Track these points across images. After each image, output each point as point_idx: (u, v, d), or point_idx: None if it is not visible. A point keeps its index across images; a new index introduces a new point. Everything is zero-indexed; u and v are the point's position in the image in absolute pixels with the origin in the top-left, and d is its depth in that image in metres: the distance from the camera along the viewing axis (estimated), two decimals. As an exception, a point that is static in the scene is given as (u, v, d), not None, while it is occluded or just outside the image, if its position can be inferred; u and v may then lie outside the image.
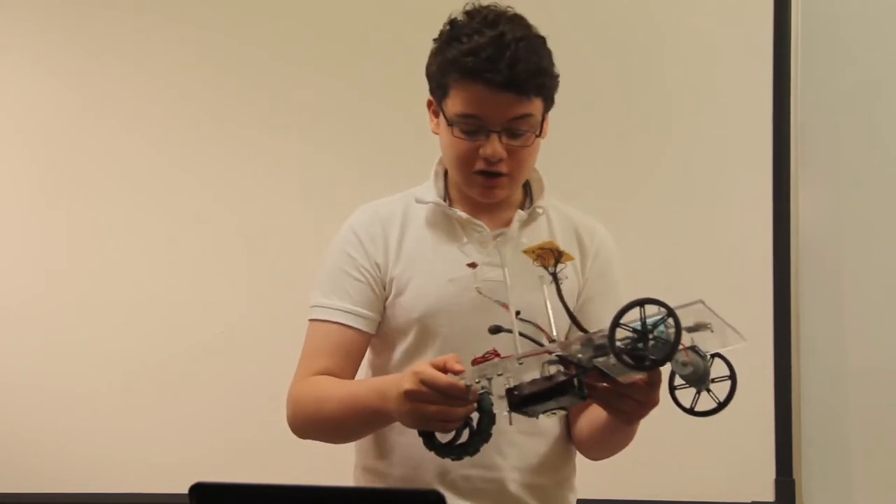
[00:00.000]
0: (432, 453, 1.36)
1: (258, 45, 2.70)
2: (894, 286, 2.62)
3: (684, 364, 1.22)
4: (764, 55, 2.60)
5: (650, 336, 1.16)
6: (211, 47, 2.71)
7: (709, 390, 1.26)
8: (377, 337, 1.59)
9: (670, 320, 1.16)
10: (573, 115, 2.43)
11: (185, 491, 1.06)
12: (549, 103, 1.54)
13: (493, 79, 1.45)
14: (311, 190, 2.64)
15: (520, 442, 1.54)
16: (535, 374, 1.27)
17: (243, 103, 2.69)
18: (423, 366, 1.33)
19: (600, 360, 1.23)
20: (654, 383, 1.29)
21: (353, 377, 1.58)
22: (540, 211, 1.59)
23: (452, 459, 1.35)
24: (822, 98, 2.64)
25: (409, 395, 1.32)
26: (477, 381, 1.30)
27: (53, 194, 2.70)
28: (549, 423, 1.56)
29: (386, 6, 2.69)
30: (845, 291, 2.64)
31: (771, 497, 2.52)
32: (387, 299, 1.57)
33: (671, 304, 1.17)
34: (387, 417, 1.41)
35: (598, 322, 1.57)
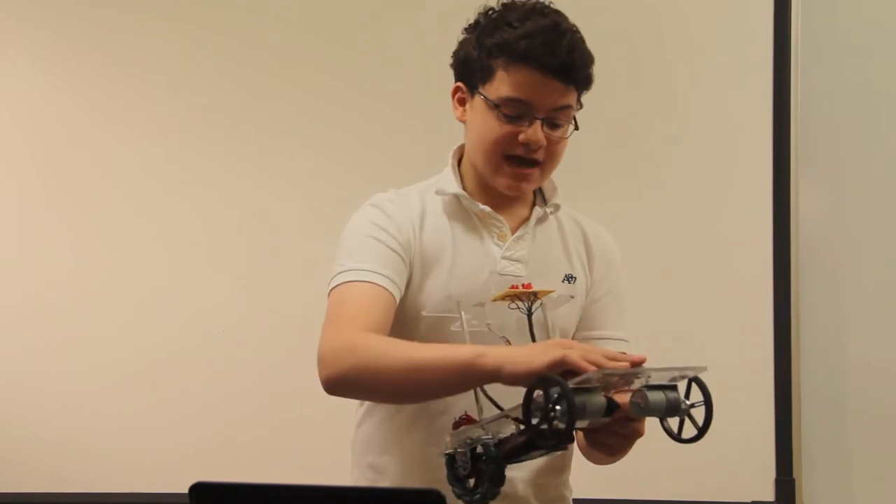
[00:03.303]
0: (437, 451, 1.36)
1: (259, 45, 2.70)
2: (894, 286, 2.62)
3: (640, 407, 1.23)
4: (764, 55, 2.60)
5: (552, 414, 1.16)
6: (211, 47, 2.71)
7: (690, 416, 1.26)
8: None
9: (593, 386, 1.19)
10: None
11: (185, 491, 1.06)
12: (580, 101, 1.53)
13: (549, 63, 1.44)
14: (312, 190, 2.64)
15: None
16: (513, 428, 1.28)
17: (244, 103, 2.69)
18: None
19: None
20: (634, 418, 1.29)
21: None
22: (551, 210, 1.59)
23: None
24: (822, 98, 2.64)
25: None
26: (459, 448, 1.30)
27: (53, 194, 2.70)
28: None
29: (386, 7, 2.69)
30: (845, 291, 2.64)
31: (771, 497, 2.52)
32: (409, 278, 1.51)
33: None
34: (480, 373, 1.29)
35: (602, 324, 1.60)
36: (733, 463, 2.52)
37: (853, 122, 2.66)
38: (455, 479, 1.32)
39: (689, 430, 1.27)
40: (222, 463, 2.51)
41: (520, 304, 1.34)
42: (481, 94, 1.50)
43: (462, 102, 1.55)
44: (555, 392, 1.17)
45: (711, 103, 2.63)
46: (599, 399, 1.21)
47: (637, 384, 1.25)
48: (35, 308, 2.66)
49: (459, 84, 1.55)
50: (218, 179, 2.69)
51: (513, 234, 1.55)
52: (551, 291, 1.36)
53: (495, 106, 1.47)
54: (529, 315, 1.34)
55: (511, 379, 1.26)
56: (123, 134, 2.70)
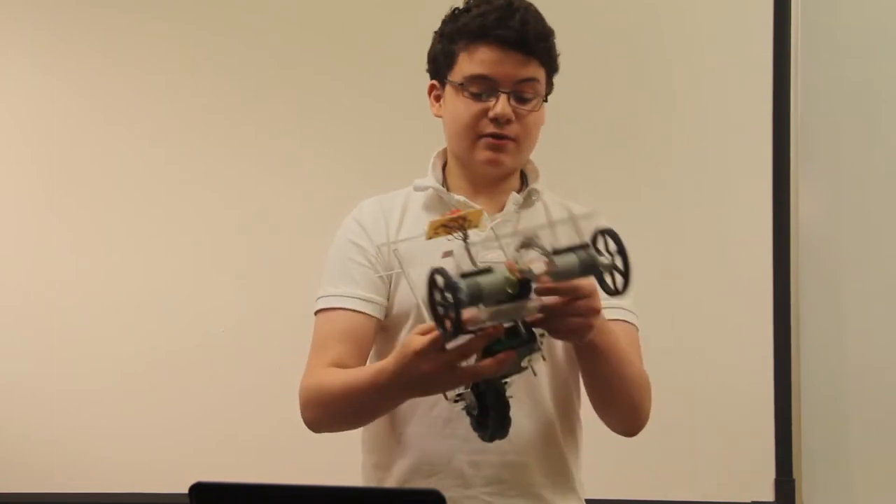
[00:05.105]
0: (438, 444, 1.37)
1: (259, 45, 2.70)
2: (894, 286, 2.62)
3: (555, 273, 1.23)
4: (764, 55, 2.60)
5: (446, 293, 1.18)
6: (211, 47, 2.71)
7: (615, 267, 1.26)
8: (382, 326, 1.58)
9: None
10: (573, 116, 2.44)
11: (185, 491, 1.06)
12: (551, 75, 1.57)
13: (504, 36, 1.50)
14: (312, 190, 2.64)
15: (525, 426, 1.52)
16: None
17: (244, 103, 2.69)
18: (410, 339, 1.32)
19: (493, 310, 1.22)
20: (582, 294, 1.29)
21: (363, 365, 1.55)
22: (535, 197, 1.61)
23: (499, 439, 1.34)
24: (822, 98, 2.64)
25: (419, 356, 1.30)
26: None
27: (53, 194, 2.70)
28: (550, 407, 1.55)
29: (386, 7, 2.69)
30: (845, 291, 2.63)
31: (771, 497, 2.52)
32: (389, 286, 1.57)
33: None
34: (397, 388, 1.37)
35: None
36: (733, 463, 2.52)
37: (853, 122, 2.66)
38: (477, 424, 1.34)
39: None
40: (222, 463, 2.51)
41: (455, 234, 1.32)
42: (449, 81, 1.55)
43: (438, 99, 1.61)
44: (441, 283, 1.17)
45: (711, 103, 2.63)
46: (497, 278, 1.20)
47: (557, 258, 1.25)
48: (35, 308, 2.66)
49: (433, 82, 1.61)
50: (218, 179, 2.69)
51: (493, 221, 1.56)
52: (479, 210, 1.34)
53: (461, 86, 1.53)
54: (465, 239, 1.32)
55: None
56: (123, 134, 2.70)
